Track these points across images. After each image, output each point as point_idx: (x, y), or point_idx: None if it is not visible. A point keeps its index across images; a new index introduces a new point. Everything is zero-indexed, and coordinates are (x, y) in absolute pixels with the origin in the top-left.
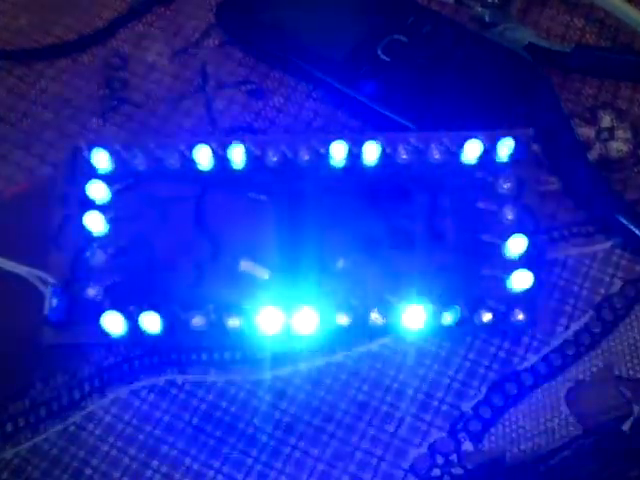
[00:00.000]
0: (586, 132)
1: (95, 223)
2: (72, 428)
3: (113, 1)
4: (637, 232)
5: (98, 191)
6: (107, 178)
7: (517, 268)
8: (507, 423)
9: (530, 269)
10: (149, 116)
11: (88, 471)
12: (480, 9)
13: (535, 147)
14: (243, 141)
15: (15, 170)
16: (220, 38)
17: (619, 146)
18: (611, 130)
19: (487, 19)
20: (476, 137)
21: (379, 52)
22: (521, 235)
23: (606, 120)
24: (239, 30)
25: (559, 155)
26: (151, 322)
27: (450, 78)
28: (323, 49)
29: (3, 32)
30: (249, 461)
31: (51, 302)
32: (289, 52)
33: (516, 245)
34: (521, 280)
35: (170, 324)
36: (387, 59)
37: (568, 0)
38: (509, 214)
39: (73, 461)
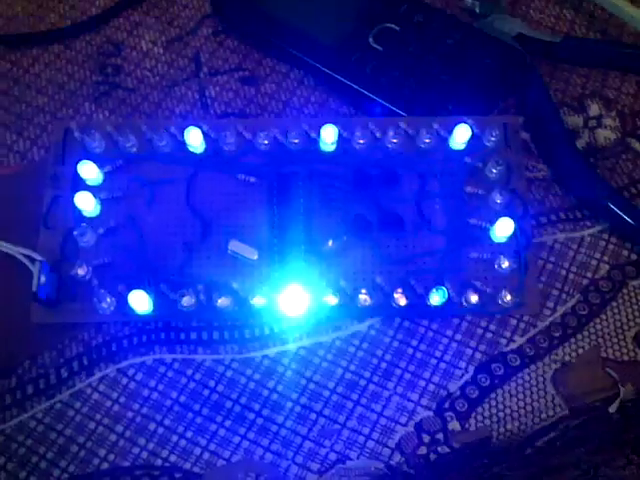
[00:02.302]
0: (574, 120)
1: (86, 203)
2: (59, 406)
3: None
4: (626, 217)
5: (89, 172)
6: (98, 159)
7: (504, 251)
8: (494, 403)
9: (517, 252)
10: (141, 101)
11: (74, 448)
12: (471, 1)
13: (524, 135)
14: (234, 124)
15: (7, 152)
16: (214, 27)
17: (607, 134)
18: (599, 118)
19: (477, 10)
20: (465, 122)
21: (370, 40)
22: (508, 218)
23: (594, 109)
24: (234, 19)
25: (548, 143)
26: (140, 301)
27: (441, 67)
28: (316, 37)
29: None
30: (236, 439)
31: (39, 279)
32: (283, 40)
33: (503, 228)
34: (507, 262)
35: (159, 303)
36: (379, 47)
37: None
38: (497, 198)
39: (59, 438)
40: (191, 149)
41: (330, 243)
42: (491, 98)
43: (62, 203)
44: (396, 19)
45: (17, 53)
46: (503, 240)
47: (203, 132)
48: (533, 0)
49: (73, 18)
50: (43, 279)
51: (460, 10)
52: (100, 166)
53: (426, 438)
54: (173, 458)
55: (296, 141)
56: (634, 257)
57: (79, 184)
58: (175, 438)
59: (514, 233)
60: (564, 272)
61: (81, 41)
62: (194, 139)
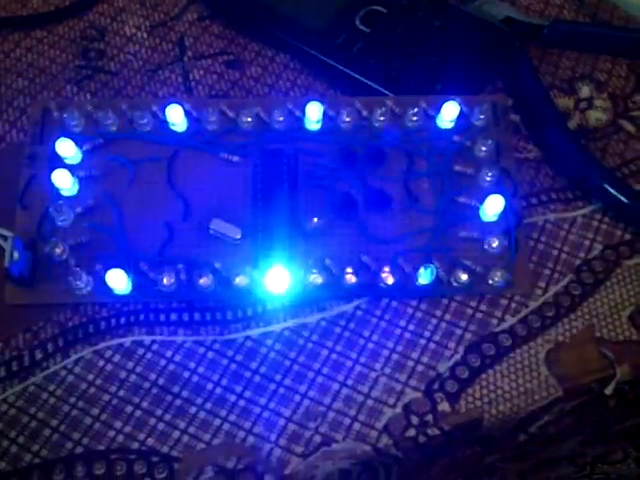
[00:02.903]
0: (565, 102)
1: (63, 181)
2: (32, 388)
3: None
4: (620, 197)
5: (67, 149)
6: (77, 138)
7: (494, 230)
8: (485, 384)
9: (507, 231)
10: (124, 85)
11: (47, 432)
12: None
13: (514, 117)
14: (217, 104)
15: None
16: (199, 13)
17: (598, 115)
18: (590, 100)
19: None
20: (453, 100)
21: (357, 22)
22: (498, 195)
23: (585, 91)
24: (220, 4)
25: (538, 124)
26: (118, 280)
27: (428, 48)
28: (302, 20)
29: None
30: (217, 422)
31: (12, 255)
32: (269, 23)
33: (493, 205)
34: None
35: (139, 283)
36: (366, 29)
37: None
38: (487, 176)
39: (31, 422)
40: (173, 127)
41: (315, 220)
42: (479, 79)
43: (39, 183)
44: (383, 1)
45: None
46: (493, 219)
47: (185, 111)
48: None
49: (56, 4)
50: (16, 255)
51: None
52: (79, 145)
53: (415, 420)
54: (150, 441)
55: (281, 119)
56: (628, 237)
57: (57, 163)
58: (153, 421)
59: (504, 212)
60: (556, 252)
61: (64, 26)
62: (175, 116)
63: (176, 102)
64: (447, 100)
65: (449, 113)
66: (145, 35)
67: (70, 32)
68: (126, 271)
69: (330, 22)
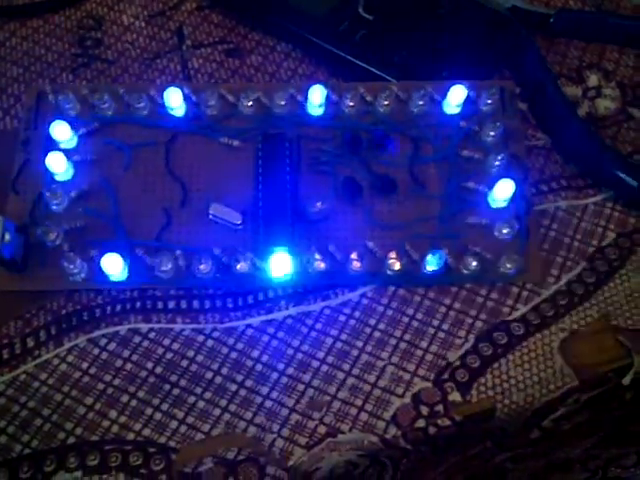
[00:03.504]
0: (573, 91)
1: (57, 165)
2: (23, 377)
3: None
4: (632, 183)
5: (62, 133)
6: (73, 122)
7: (504, 217)
8: (497, 373)
9: (518, 217)
10: (121, 73)
11: (38, 422)
12: None
13: (522, 105)
14: (217, 88)
15: None
16: (198, 2)
17: (607, 103)
18: (598, 89)
19: None
20: (461, 84)
21: (360, 10)
22: (508, 179)
23: (593, 79)
24: None
25: (547, 112)
26: (114, 265)
27: (434, 35)
28: (304, 8)
29: None
30: (217, 411)
31: (3, 237)
32: (270, 11)
33: (503, 190)
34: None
35: (135, 269)
36: (369, 17)
37: None
38: (496, 162)
39: (22, 411)
40: (171, 112)
41: (319, 205)
42: (485, 67)
43: (33, 168)
44: None
45: None
46: (503, 205)
47: (184, 95)
48: None
49: None
50: (7, 237)
51: None
52: (74, 128)
53: (425, 410)
54: (147, 432)
55: (282, 103)
56: None
57: (51, 147)
58: (150, 411)
59: (514, 198)
60: (568, 240)
61: (60, 16)
62: (174, 100)
63: (175, 86)
64: (454, 84)
65: (456, 97)
66: (143, 24)
67: (67, 21)
68: (122, 257)
69: (332, 9)
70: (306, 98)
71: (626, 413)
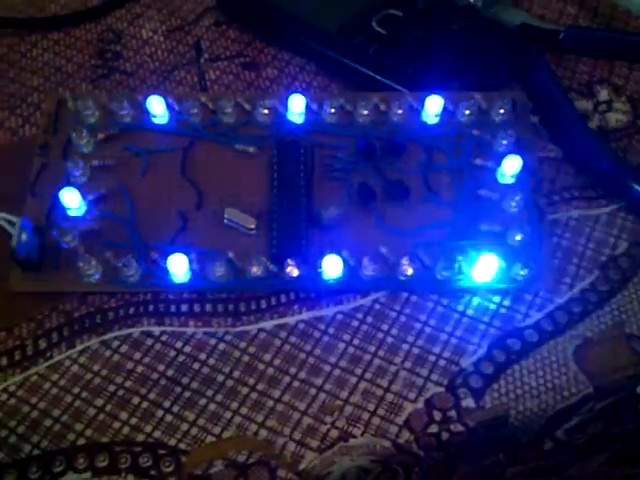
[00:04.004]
0: (583, 105)
1: (76, 170)
2: (34, 378)
3: None
4: None
5: (81, 140)
6: (92, 128)
7: (517, 224)
8: (510, 379)
9: (530, 226)
10: (140, 84)
11: (48, 422)
12: None
13: (533, 119)
14: (234, 97)
15: None
16: (216, 19)
17: (618, 117)
18: (609, 103)
19: (480, 4)
20: (473, 96)
21: (374, 24)
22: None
23: (603, 94)
24: (238, 9)
25: (559, 124)
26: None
27: (446, 50)
28: (319, 24)
29: None
30: (228, 414)
31: (20, 236)
32: (287, 26)
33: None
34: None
35: (149, 272)
36: (382, 31)
37: None
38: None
39: (32, 412)
40: (188, 119)
41: (332, 210)
42: (496, 80)
43: (50, 172)
44: (399, 6)
45: (15, 38)
46: (515, 210)
47: (201, 103)
48: None
49: (73, 9)
50: (25, 237)
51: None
52: (93, 133)
53: (437, 415)
54: (157, 434)
55: (299, 111)
56: None
57: (69, 153)
58: (160, 413)
59: (527, 206)
60: (580, 248)
61: (81, 29)
62: (191, 108)
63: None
64: (466, 96)
65: (433, 107)
66: (162, 39)
67: (87, 35)
68: (136, 259)
69: (346, 25)
70: (322, 107)
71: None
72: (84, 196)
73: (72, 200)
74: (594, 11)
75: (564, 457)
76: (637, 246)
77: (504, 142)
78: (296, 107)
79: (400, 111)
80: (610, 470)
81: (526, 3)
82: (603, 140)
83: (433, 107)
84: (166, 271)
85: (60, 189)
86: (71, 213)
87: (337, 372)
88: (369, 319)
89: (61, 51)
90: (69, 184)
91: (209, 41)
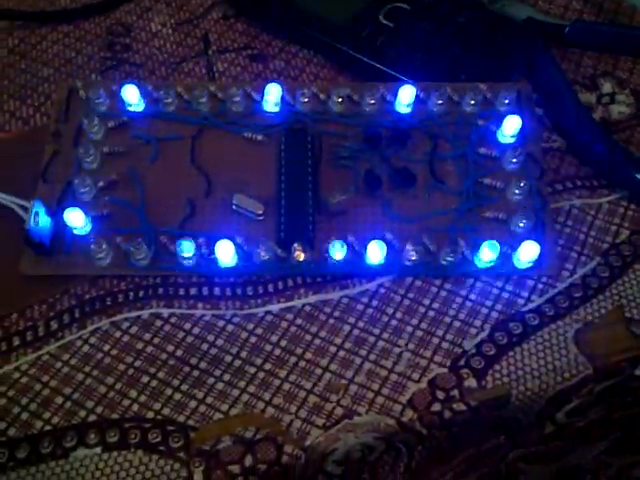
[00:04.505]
0: (587, 97)
1: (86, 157)
2: (46, 357)
3: None
4: None
5: (92, 127)
6: (103, 116)
7: (521, 211)
8: (512, 361)
9: (534, 212)
10: (149, 75)
11: (59, 400)
12: None
13: (538, 110)
14: (242, 86)
15: (9, 118)
16: (224, 12)
17: (621, 109)
18: (612, 95)
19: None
20: (478, 87)
21: (381, 17)
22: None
23: (607, 86)
24: (245, 2)
25: (563, 115)
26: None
27: (452, 41)
28: (327, 17)
29: (7, 3)
30: (235, 392)
31: (32, 218)
32: (294, 19)
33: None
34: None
35: (159, 256)
36: (389, 24)
37: None
38: (512, 159)
39: (44, 390)
40: (197, 108)
41: (339, 197)
42: (502, 72)
43: (62, 158)
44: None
45: (26, 30)
46: (519, 197)
47: (209, 92)
48: None
49: (83, 3)
50: (37, 220)
51: None
52: (104, 121)
53: (440, 395)
54: (166, 411)
55: (305, 100)
56: None
57: (80, 139)
58: (169, 391)
59: (530, 193)
60: (582, 236)
61: (90, 22)
62: (200, 98)
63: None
64: (470, 86)
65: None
66: (170, 31)
67: (97, 27)
68: (146, 243)
69: (354, 17)
70: (328, 97)
71: (639, 411)
72: (95, 182)
73: (86, 188)
74: (599, 6)
75: (564, 442)
76: (638, 234)
77: (508, 133)
78: (304, 97)
79: (407, 101)
80: (609, 458)
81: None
82: (605, 130)
83: (439, 97)
84: (175, 255)
85: (72, 175)
86: (82, 199)
87: (342, 353)
88: (374, 302)
89: (71, 43)
90: (81, 171)
91: (217, 34)
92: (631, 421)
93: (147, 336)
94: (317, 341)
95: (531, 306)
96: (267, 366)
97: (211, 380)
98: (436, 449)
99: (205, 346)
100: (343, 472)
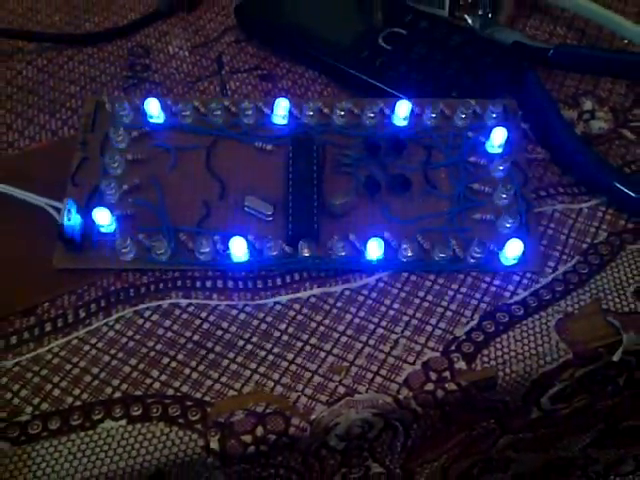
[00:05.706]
0: (569, 114)
1: (112, 163)
2: (75, 341)
3: (140, 5)
4: (627, 191)
5: (117, 137)
6: (127, 126)
7: (507, 213)
8: (499, 346)
9: (519, 214)
10: (167, 93)
11: (88, 378)
12: (471, 20)
13: (523, 125)
14: (254, 101)
15: (39, 130)
16: (237, 37)
17: (601, 124)
18: (592, 112)
19: (477, 27)
20: (469, 102)
21: (380, 41)
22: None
23: (587, 104)
24: (256, 27)
25: (548, 130)
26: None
27: (445, 63)
28: (331, 40)
29: (37, 27)
30: (247, 372)
31: (66, 217)
32: (301, 42)
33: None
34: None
35: (178, 252)
36: (387, 47)
37: (552, 11)
38: (499, 167)
39: (73, 369)
40: (212, 120)
41: (340, 199)
42: (491, 91)
43: (89, 164)
44: (403, 25)
45: (54, 52)
46: (505, 202)
47: (224, 106)
48: (529, 18)
49: (106, 27)
50: (70, 218)
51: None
52: (128, 132)
53: (433, 376)
54: (185, 389)
55: (311, 114)
56: (631, 226)
57: (107, 148)
58: (187, 371)
59: (516, 198)
60: (564, 237)
61: (113, 45)
62: (215, 111)
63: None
64: (462, 102)
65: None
66: (187, 54)
67: (118, 49)
68: (166, 239)
69: (355, 40)
70: (332, 111)
71: (620, 402)
72: (120, 185)
73: (112, 190)
74: (582, 32)
75: (550, 430)
76: (615, 235)
77: (495, 143)
78: (310, 110)
79: (404, 115)
80: (596, 453)
81: (520, 25)
82: (586, 143)
83: (434, 111)
84: (192, 251)
85: (98, 179)
86: (108, 201)
87: (344, 339)
88: (373, 294)
89: (95, 64)
90: (107, 176)
91: (230, 56)
92: (613, 411)
93: (167, 323)
94: (321, 328)
95: (516, 298)
96: (276, 350)
97: (225, 362)
98: (431, 428)
99: (220, 332)
100: (345, 447)
